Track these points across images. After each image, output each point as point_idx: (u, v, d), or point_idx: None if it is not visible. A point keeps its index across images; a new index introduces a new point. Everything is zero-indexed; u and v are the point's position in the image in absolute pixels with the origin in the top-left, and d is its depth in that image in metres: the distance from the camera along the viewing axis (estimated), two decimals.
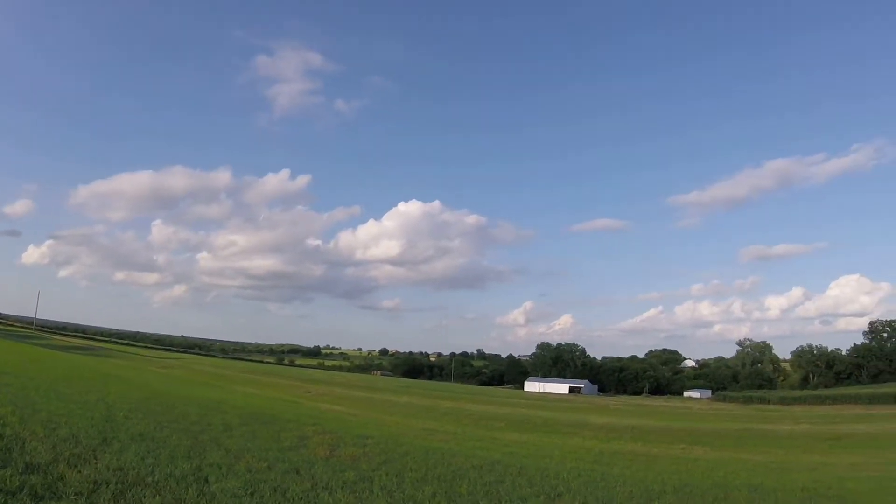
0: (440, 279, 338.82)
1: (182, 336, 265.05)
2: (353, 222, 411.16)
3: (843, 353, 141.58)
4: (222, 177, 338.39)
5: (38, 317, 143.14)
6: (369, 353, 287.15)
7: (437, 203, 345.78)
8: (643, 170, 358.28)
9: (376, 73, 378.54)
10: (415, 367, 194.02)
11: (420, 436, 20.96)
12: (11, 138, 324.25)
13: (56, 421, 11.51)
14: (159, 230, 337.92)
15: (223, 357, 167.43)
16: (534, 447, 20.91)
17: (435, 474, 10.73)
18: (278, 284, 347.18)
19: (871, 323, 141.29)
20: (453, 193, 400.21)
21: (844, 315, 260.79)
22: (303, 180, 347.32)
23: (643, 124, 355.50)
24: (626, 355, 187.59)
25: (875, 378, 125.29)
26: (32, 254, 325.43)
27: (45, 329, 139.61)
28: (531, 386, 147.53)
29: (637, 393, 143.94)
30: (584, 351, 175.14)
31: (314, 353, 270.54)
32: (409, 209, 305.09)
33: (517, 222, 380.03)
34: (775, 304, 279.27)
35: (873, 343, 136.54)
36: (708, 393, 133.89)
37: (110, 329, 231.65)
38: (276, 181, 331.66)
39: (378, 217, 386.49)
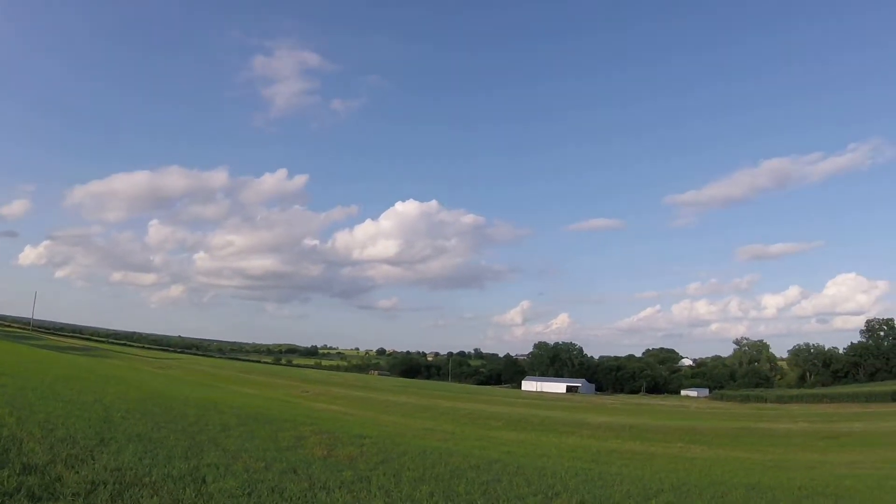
0: (437, 279, 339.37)
1: (179, 336, 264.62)
2: (351, 222, 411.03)
3: (840, 351, 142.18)
4: (219, 177, 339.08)
5: (34, 317, 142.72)
6: (366, 352, 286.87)
7: (434, 202, 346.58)
8: (640, 169, 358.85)
9: (373, 72, 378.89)
10: (412, 366, 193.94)
11: (417, 435, 20.96)
12: (8, 139, 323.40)
13: (53, 422, 11.48)
14: (156, 230, 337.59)
15: (220, 357, 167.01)
16: (531, 446, 20.94)
17: (432, 474, 10.73)
18: (275, 284, 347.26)
19: (868, 321, 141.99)
20: (450, 193, 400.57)
21: (841, 314, 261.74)
22: (300, 180, 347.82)
23: (640, 123, 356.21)
24: (623, 354, 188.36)
25: (872, 376, 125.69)
26: (29, 254, 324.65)
27: (41, 330, 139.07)
28: (528, 385, 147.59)
29: (634, 392, 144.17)
30: (581, 350, 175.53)
31: (311, 352, 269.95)
32: (407, 209, 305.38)
33: (514, 221, 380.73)
34: (772, 302, 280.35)
35: (870, 341, 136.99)
36: (705, 392, 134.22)
37: (107, 329, 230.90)
38: (273, 181, 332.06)
39: (375, 217, 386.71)
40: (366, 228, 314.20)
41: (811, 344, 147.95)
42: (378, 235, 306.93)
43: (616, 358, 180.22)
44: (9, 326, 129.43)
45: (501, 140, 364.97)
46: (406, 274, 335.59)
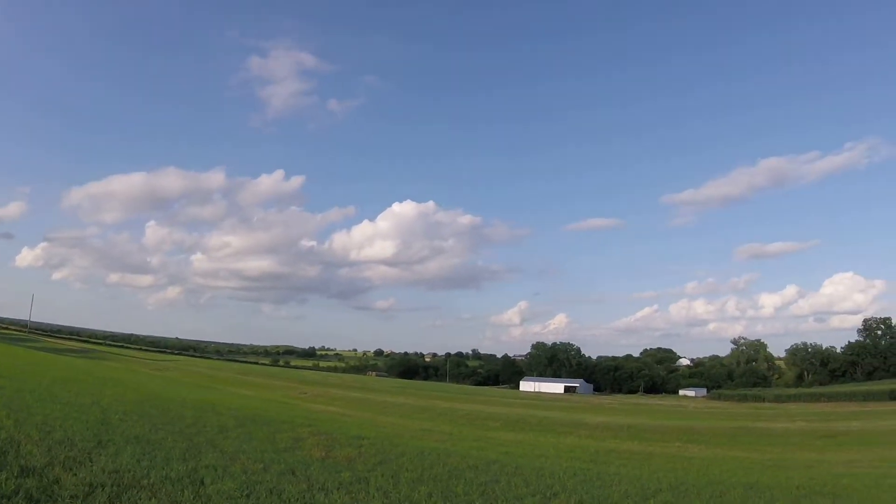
0: (435, 279, 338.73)
1: (177, 338, 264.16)
2: (348, 223, 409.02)
3: (838, 350, 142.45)
4: (216, 178, 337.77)
5: (32, 320, 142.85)
6: (364, 353, 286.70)
7: (431, 203, 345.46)
8: (638, 168, 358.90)
9: (370, 72, 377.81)
10: (410, 367, 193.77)
11: (416, 436, 20.98)
12: (4, 140, 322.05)
13: (51, 424, 11.46)
14: (153, 232, 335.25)
15: (218, 359, 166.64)
16: (529, 447, 20.96)
17: (431, 474, 10.74)
18: (273, 285, 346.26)
19: (866, 320, 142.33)
20: (448, 193, 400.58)
21: (838, 313, 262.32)
22: (297, 181, 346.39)
23: (638, 123, 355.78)
24: (621, 354, 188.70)
25: (869, 375, 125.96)
26: (26, 256, 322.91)
27: (39, 332, 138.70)
28: (526, 386, 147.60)
29: (632, 392, 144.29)
30: (578, 350, 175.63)
31: (309, 354, 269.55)
32: (404, 209, 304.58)
33: (511, 222, 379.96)
34: (769, 302, 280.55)
35: (867, 340, 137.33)
36: (703, 391, 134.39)
37: (105, 331, 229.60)
38: (269, 182, 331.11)
39: (372, 217, 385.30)
40: (363, 229, 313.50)
41: (809, 343, 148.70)
42: (375, 236, 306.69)
43: (614, 358, 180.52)
44: (6, 329, 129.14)
45: (498, 140, 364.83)
46: (403, 274, 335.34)
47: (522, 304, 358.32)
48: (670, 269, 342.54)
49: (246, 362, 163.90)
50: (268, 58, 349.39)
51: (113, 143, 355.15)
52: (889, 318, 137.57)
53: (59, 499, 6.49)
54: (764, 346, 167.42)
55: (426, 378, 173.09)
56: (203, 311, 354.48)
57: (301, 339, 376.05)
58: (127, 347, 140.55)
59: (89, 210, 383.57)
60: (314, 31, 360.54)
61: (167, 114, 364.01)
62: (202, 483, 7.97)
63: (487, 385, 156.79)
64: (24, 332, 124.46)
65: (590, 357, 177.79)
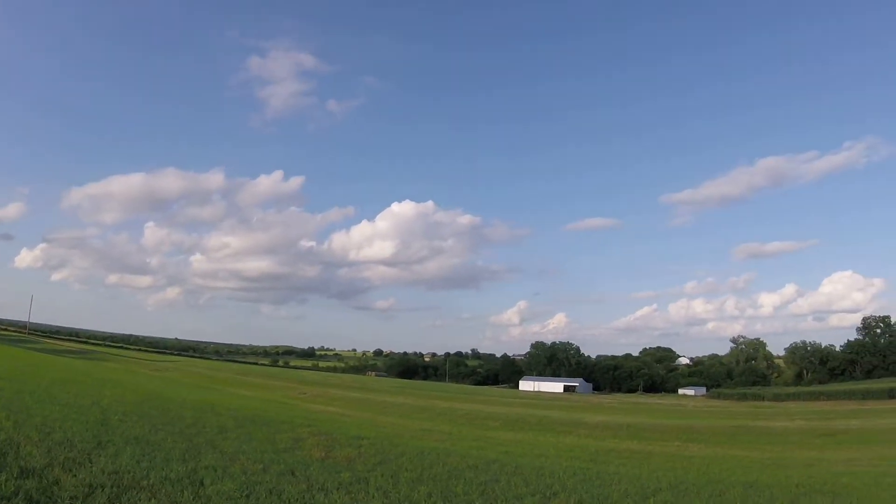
0: (434, 279, 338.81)
1: (176, 339, 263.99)
2: (347, 223, 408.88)
3: (837, 349, 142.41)
4: (215, 178, 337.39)
5: (31, 321, 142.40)
6: (364, 353, 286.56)
7: (430, 203, 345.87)
8: (637, 168, 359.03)
9: (369, 73, 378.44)
10: (409, 367, 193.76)
11: (415, 436, 21.00)
12: (4, 140, 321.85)
13: (50, 425, 11.46)
14: (152, 232, 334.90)
15: (217, 359, 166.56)
16: (529, 446, 20.98)
17: (430, 474, 10.75)
18: (272, 286, 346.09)
19: (865, 319, 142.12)
20: (447, 193, 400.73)
21: (837, 311, 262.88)
22: (296, 181, 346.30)
23: (636, 123, 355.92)
24: (620, 353, 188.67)
25: (869, 374, 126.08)
26: (25, 257, 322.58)
27: (38, 333, 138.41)
28: (526, 385, 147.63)
29: (632, 391, 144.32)
30: (578, 349, 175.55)
31: (308, 354, 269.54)
32: (403, 209, 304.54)
33: (511, 222, 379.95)
34: (769, 301, 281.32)
35: (866, 339, 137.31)
36: (702, 390, 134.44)
37: (104, 332, 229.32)
38: (269, 182, 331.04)
39: (371, 218, 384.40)
40: (362, 229, 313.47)
41: (808, 342, 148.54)
42: (374, 236, 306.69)
43: (613, 357, 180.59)
44: (5, 330, 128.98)
45: (498, 140, 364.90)
46: (403, 275, 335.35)
47: (522, 304, 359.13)
48: (669, 268, 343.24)
49: (245, 363, 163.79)
50: (267, 58, 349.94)
51: (112, 143, 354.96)
52: (888, 317, 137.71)
53: (59, 500, 6.49)
54: (763, 344, 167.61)
55: (426, 378, 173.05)
56: (202, 312, 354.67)
57: (300, 340, 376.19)
58: (126, 348, 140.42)
59: (88, 211, 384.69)
60: (314, 31, 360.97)
61: (166, 114, 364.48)
62: (202, 484, 7.97)
63: (487, 385, 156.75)
64: (24, 333, 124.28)
65: (589, 356, 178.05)
